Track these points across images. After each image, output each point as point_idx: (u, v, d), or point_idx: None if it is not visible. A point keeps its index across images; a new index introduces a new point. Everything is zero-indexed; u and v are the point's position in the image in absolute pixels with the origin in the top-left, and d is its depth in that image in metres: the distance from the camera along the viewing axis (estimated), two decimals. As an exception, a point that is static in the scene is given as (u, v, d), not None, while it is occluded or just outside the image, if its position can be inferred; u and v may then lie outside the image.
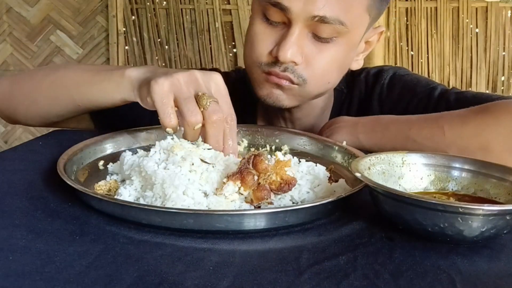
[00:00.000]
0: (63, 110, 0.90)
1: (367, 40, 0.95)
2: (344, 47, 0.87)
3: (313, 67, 0.86)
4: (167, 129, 0.70)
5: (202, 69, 0.79)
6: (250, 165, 0.60)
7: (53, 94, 0.88)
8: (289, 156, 0.71)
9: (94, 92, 0.83)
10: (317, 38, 0.85)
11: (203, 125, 0.70)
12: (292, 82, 0.87)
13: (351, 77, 1.07)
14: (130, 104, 0.80)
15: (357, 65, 0.97)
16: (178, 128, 0.70)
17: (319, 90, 0.92)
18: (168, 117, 0.69)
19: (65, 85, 0.87)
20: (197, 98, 0.69)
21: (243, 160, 0.61)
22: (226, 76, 1.10)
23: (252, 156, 0.61)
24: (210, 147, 0.73)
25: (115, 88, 0.79)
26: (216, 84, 0.72)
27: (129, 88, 0.77)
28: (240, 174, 0.59)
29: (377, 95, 1.02)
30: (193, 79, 0.71)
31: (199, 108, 0.69)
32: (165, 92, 0.69)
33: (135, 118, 0.88)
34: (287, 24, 0.84)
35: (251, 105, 1.05)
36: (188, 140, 0.70)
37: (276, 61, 0.85)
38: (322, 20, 0.81)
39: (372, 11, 0.87)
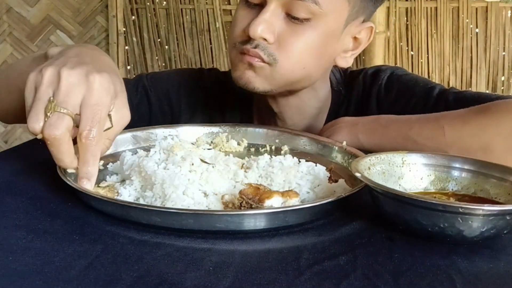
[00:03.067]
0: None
1: (355, 36, 0.93)
2: (320, 31, 0.86)
3: (286, 48, 0.86)
4: None
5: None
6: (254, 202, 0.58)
7: (7, 89, 0.87)
8: (289, 156, 0.71)
9: None
10: (291, 18, 0.85)
11: None
12: (262, 60, 0.86)
13: (350, 78, 1.06)
14: None
15: (345, 62, 0.95)
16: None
17: (293, 74, 0.89)
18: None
19: (16, 79, 0.83)
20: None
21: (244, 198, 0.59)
22: (224, 75, 1.10)
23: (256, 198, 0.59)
24: (210, 147, 0.73)
25: None
26: (90, 88, 0.61)
27: None
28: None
29: (375, 95, 1.02)
30: (53, 80, 0.61)
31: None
32: (30, 88, 0.63)
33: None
34: (264, 6, 0.85)
35: (247, 104, 1.05)
36: None
37: (248, 38, 0.85)
38: None
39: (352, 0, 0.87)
